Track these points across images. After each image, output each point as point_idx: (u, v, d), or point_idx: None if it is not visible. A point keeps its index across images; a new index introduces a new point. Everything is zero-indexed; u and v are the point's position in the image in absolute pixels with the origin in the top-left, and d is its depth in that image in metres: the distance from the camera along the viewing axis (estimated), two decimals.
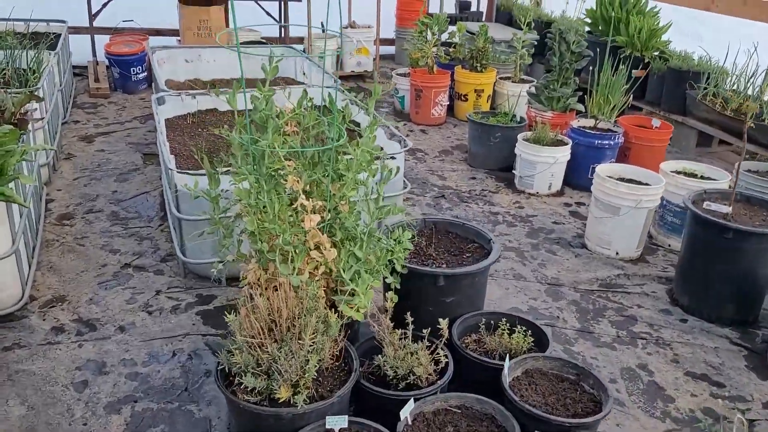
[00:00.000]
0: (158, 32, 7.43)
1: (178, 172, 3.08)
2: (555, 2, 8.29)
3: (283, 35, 7.53)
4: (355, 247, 2.30)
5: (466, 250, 2.73)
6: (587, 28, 6.59)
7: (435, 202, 4.42)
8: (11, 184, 2.89)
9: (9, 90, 3.94)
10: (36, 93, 4.00)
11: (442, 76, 5.89)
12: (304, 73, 5.61)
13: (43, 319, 3.01)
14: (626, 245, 3.67)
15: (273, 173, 2.24)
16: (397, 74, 6.33)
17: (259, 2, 6.98)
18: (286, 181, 2.23)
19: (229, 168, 3.04)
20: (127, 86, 6.50)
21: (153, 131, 5.49)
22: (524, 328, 2.42)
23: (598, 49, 5.15)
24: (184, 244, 3.31)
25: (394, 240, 2.41)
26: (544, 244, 3.88)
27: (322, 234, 2.31)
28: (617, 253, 3.71)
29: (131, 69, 6.43)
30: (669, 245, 3.87)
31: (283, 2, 7.07)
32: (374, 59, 7.30)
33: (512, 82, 6.16)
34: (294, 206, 2.27)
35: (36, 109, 3.60)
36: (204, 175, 3.08)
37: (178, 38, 7.16)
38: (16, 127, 3.24)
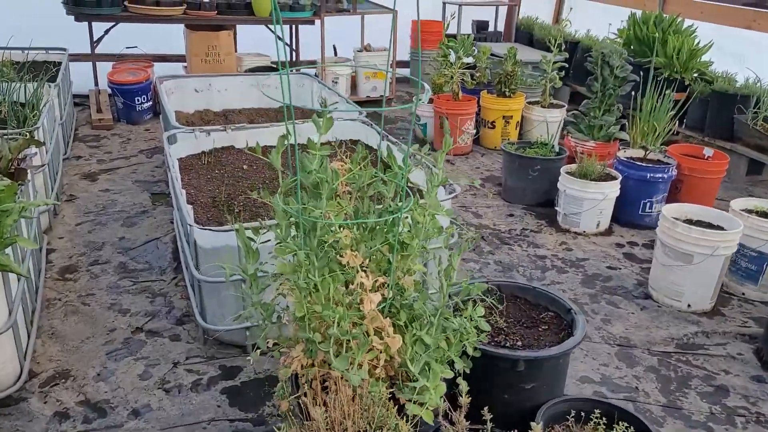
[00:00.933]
0: (163, 58, 7.07)
1: (200, 228, 2.68)
2: (578, 21, 7.96)
3: (294, 59, 7.17)
4: (422, 332, 1.89)
5: (540, 320, 2.33)
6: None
7: (473, 244, 4.02)
8: (8, 249, 2.49)
9: (5, 131, 3.56)
10: (35, 135, 3.61)
11: (468, 102, 5.52)
12: (320, 101, 5.23)
13: (45, 402, 2.60)
14: (700, 297, 3.27)
15: (326, 247, 1.84)
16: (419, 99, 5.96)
17: (269, 26, 6.63)
18: (342, 255, 1.83)
19: (256, 224, 2.65)
20: (132, 116, 6.12)
21: (161, 166, 5.11)
22: (626, 425, 2.01)
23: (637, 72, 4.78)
24: (204, 307, 2.91)
25: (467, 318, 2.01)
26: (604, 295, 3.48)
27: (383, 316, 1.91)
28: (689, 306, 3.30)
29: (135, 98, 6.06)
30: (743, 293, 3.47)
31: (294, 26, 6.72)
32: (390, 83, 6.94)
33: (541, 106, 5.79)
34: (351, 285, 1.87)
35: (36, 153, 3.22)
36: (228, 231, 2.69)
37: (184, 64, 6.80)
38: (14, 178, 2.85)
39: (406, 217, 1.98)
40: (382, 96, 6.98)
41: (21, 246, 2.68)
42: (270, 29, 6.70)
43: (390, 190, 2.03)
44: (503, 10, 8.16)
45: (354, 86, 6.98)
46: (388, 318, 1.92)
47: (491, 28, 8.06)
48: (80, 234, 3.98)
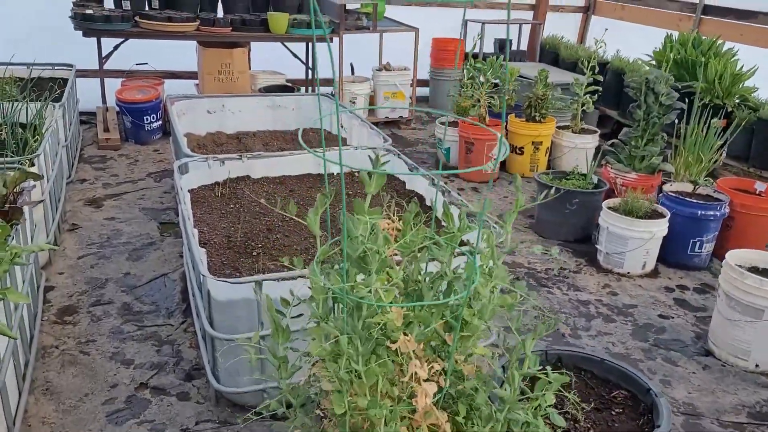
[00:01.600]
0: (173, 75, 6.81)
1: (215, 280, 2.36)
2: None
3: (310, 77, 6.89)
4: (485, 430, 1.56)
5: (612, 401, 2.00)
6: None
7: (552, 328, 3.69)
8: None
9: (2, 158, 3.26)
10: (35, 163, 3.31)
11: (495, 127, 5.20)
12: (342, 126, 4.92)
13: None
14: None
15: (373, 331, 1.51)
16: (441, 123, 5.65)
17: (285, 43, 6.35)
18: (392, 339, 1.51)
19: (281, 274, 2.33)
20: (140, 136, 5.84)
21: (169, 192, 4.80)
22: None
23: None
24: (216, 363, 2.58)
25: (534, 409, 1.68)
26: (659, 350, 3.14)
27: (437, 408, 1.58)
28: (757, 366, 2.96)
29: (144, 118, 5.78)
30: None
31: (311, 43, 6.44)
32: (410, 103, 6.64)
33: (572, 132, 5.48)
34: (401, 373, 1.54)
35: (34, 186, 2.92)
36: (247, 282, 2.37)
37: (196, 82, 6.53)
38: (7, 218, 2.54)
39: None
40: (401, 117, 6.68)
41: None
42: (286, 47, 6.42)
43: (445, 255, 1.70)
44: (526, 29, 7.87)
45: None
46: (443, 412, 1.58)
47: (514, 47, 7.76)
48: (82, 269, 3.67)
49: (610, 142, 4.51)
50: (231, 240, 2.96)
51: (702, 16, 6.39)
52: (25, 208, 2.69)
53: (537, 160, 5.38)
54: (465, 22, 7.49)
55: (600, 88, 5.43)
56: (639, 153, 4.30)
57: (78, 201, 4.56)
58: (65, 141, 4.64)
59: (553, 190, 2.10)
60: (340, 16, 5.99)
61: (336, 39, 6.11)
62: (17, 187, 2.80)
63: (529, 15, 7.87)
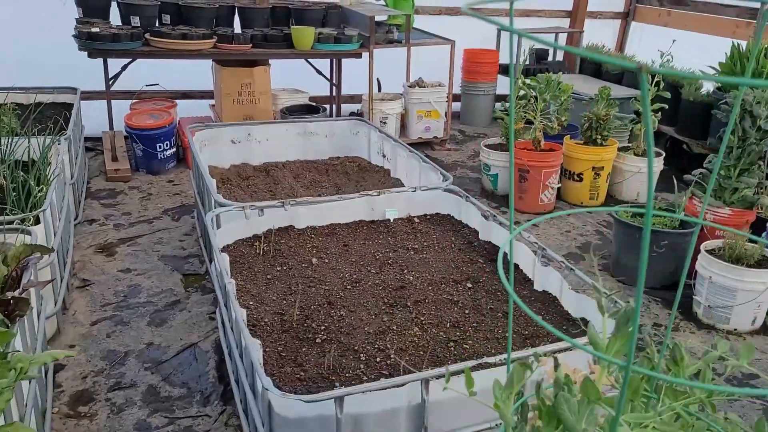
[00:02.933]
0: (186, 95, 6.26)
1: (285, 398, 1.79)
2: (643, 50, 7.12)
3: (335, 94, 6.34)
4: None
5: None
6: (716, 86, 5.39)
7: None
8: None
9: (1, 216, 2.70)
10: (39, 224, 2.75)
11: (553, 153, 4.65)
12: (384, 155, 4.37)
13: None
14: None
15: None
16: (486, 146, 5.10)
17: (309, 60, 5.80)
18: None
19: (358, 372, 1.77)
20: (152, 166, 5.28)
21: (190, 234, 4.24)
22: None
23: None
24: None
25: None
26: None
27: None
28: None
29: (157, 145, 5.22)
30: None
31: (336, 60, 5.90)
32: (445, 121, 6.09)
33: (634, 154, 4.92)
34: None
35: (41, 258, 2.36)
36: (326, 399, 1.81)
37: (211, 102, 5.98)
38: (8, 312, 1.98)
39: None
40: (435, 137, 6.13)
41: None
42: (310, 63, 5.87)
43: None
44: (562, 37, 7.32)
45: (404, 126, 6.13)
46: None
47: (549, 57, 7.22)
48: (97, 339, 3.11)
49: (698, 171, 3.95)
50: (285, 319, 2.40)
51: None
52: (31, 300, 2.13)
53: (597, 188, 4.82)
54: (498, 32, 6.95)
55: (666, 105, 4.88)
56: (731, 184, 3.75)
57: (88, 248, 4.00)
58: (72, 179, 4.08)
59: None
60: (370, 30, 5.44)
61: (365, 54, 5.55)
62: (21, 262, 2.24)
63: (565, 22, 7.33)
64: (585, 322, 2.36)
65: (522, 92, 4.76)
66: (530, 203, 4.70)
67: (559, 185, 4.75)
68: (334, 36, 5.39)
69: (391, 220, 3.24)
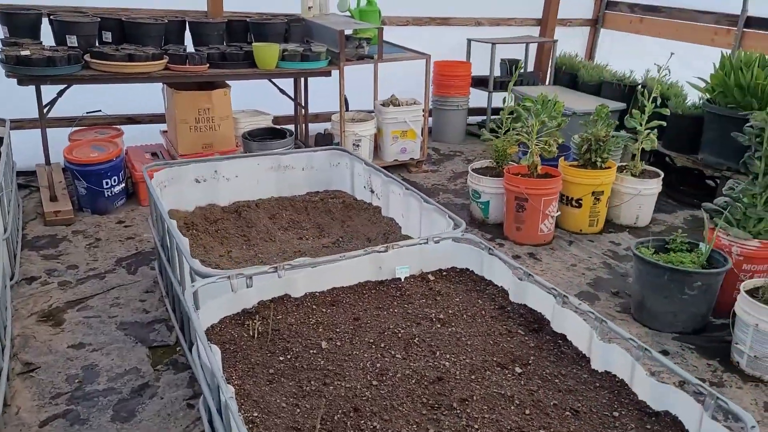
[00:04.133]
0: (132, 120, 5.60)
1: None
2: (616, 58, 6.87)
3: (301, 116, 5.81)
4: None
5: None
6: (706, 96, 5.13)
7: None
8: None
9: None
10: None
11: (552, 179, 4.26)
12: (371, 190, 3.88)
13: None
14: None
15: None
16: (474, 170, 4.67)
17: (273, 80, 5.25)
18: None
19: None
20: (99, 205, 4.63)
21: (151, 291, 3.65)
22: None
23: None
24: None
25: None
26: None
27: None
28: None
29: (104, 182, 4.57)
30: None
31: (304, 79, 5.37)
32: (422, 141, 5.64)
33: (632, 175, 4.60)
34: None
35: None
36: None
37: (163, 128, 5.36)
38: None
39: None
40: (412, 159, 5.67)
41: None
42: (274, 83, 5.32)
43: None
44: (532, 48, 6.99)
45: (377, 148, 5.65)
46: None
47: (522, 69, 6.88)
48: None
49: (722, 200, 3.63)
50: (300, 430, 1.88)
51: (745, 29, 5.65)
52: None
53: (597, 213, 4.47)
54: (469, 42, 6.56)
55: (664, 123, 4.58)
56: (756, 213, 3.44)
57: (29, 316, 3.36)
58: (5, 233, 3.43)
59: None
60: (340, 45, 4.94)
61: (335, 72, 5.05)
62: None
63: (535, 31, 7.00)
64: (672, 418, 1.94)
65: (518, 114, 4.36)
66: (529, 234, 4.30)
67: (558, 213, 4.37)
68: (300, 53, 4.86)
69: (402, 279, 2.76)
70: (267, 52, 4.74)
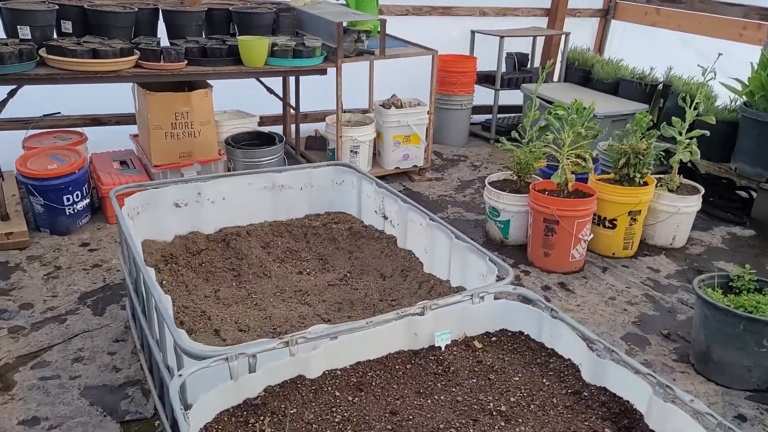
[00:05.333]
0: (97, 121, 4.93)
1: None
2: (625, 51, 6.36)
3: (289, 116, 5.19)
4: None
5: None
6: (743, 100, 4.65)
7: None
8: None
9: None
10: None
11: (588, 199, 3.72)
12: (384, 216, 3.31)
13: None
14: None
15: None
16: (492, 184, 4.12)
17: (260, 79, 4.62)
18: None
19: None
20: (59, 224, 3.98)
21: (122, 339, 3.05)
22: None
23: None
24: None
25: None
26: None
27: None
28: None
29: (65, 198, 3.92)
30: None
31: (295, 77, 4.74)
32: (426, 147, 5.06)
33: (668, 190, 4.09)
34: None
35: None
36: None
37: (134, 133, 4.69)
38: None
39: None
40: (415, 166, 5.09)
41: None
42: (262, 83, 4.69)
43: None
44: (540, 41, 6.43)
45: (376, 154, 5.06)
46: None
47: (529, 64, 6.32)
48: None
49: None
50: None
51: None
52: None
53: (633, 235, 3.96)
54: (472, 34, 5.98)
55: (708, 132, 4.07)
56: None
57: None
58: None
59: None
60: (337, 39, 4.32)
61: (332, 69, 4.43)
62: None
63: (543, 21, 6.44)
64: None
65: (542, 122, 3.81)
66: (559, 261, 3.77)
67: (591, 236, 3.84)
68: (292, 48, 4.24)
69: (443, 348, 2.20)
70: (255, 47, 4.11)
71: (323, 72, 4.45)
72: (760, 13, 5.29)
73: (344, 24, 4.43)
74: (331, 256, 3.29)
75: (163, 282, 2.93)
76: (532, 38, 6.25)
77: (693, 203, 4.06)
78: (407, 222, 3.09)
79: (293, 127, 5.18)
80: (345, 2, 5.02)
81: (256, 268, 3.17)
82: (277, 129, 5.26)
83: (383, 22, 4.50)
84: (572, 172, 3.77)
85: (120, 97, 4.72)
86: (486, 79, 5.92)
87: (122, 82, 3.96)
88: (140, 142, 4.43)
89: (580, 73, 5.97)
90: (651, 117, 3.90)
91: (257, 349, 1.93)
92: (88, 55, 3.72)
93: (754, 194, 4.75)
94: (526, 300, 2.28)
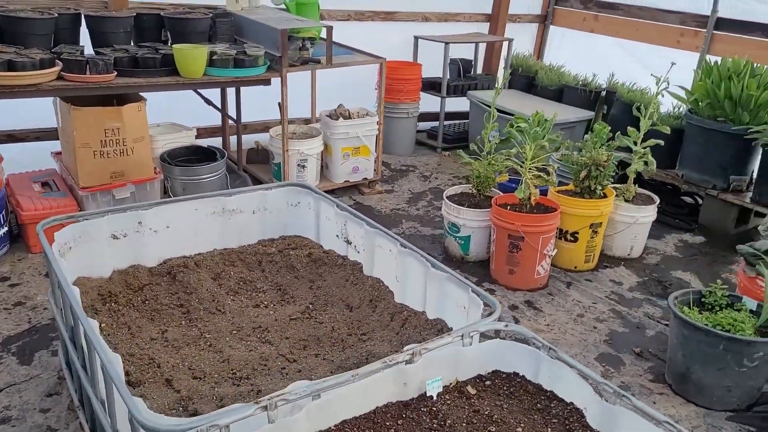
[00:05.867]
0: (12, 137, 4.46)
1: None
2: (563, 56, 6.37)
3: (228, 127, 4.86)
4: None
5: None
6: (687, 107, 4.68)
7: None
8: None
9: None
10: None
11: (552, 214, 3.61)
12: (347, 241, 3.08)
13: None
14: None
15: None
16: (450, 198, 3.96)
17: (198, 90, 4.28)
18: None
19: None
20: None
21: (56, 394, 2.69)
22: None
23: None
24: None
25: None
26: None
27: None
28: None
29: None
30: None
31: (236, 88, 4.43)
32: (376, 158, 4.85)
33: (624, 200, 4.05)
34: None
35: None
36: None
37: (56, 150, 4.25)
38: None
39: None
40: (365, 179, 4.87)
41: None
42: (200, 94, 4.35)
43: None
44: (481, 48, 6.34)
45: (324, 167, 4.80)
46: None
47: (473, 71, 6.22)
48: None
49: (765, 244, 3.10)
50: None
51: (715, 32, 5.25)
52: None
53: (594, 247, 3.89)
54: (416, 39, 5.82)
55: (662, 142, 4.05)
56: None
57: None
58: None
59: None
60: (282, 47, 4.05)
61: (276, 80, 4.15)
62: None
63: (484, 27, 6.36)
64: None
65: (510, 135, 3.67)
66: (524, 278, 3.65)
67: (555, 251, 3.74)
68: (233, 57, 3.93)
69: (435, 398, 1.99)
70: (192, 56, 3.78)
71: (267, 82, 4.16)
72: (697, 21, 5.37)
73: (288, 31, 4.16)
74: (290, 285, 3.03)
75: (102, 325, 2.59)
76: (474, 44, 6.15)
77: (650, 213, 4.04)
78: (374, 248, 2.87)
79: (233, 139, 4.87)
80: (285, 7, 4.75)
81: (208, 303, 2.87)
82: (216, 141, 4.92)
83: (329, 29, 4.25)
84: (534, 186, 3.65)
85: (39, 109, 4.27)
86: (431, 86, 5.78)
87: (43, 96, 3.54)
88: (64, 161, 4.01)
89: (524, 80, 5.91)
90: (608, 127, 3.82)
91: (231, 419, 1.66)
92: (3, 68, 3.30)
93: (700, 200, 4.80)
94: (522, 341, 2.11)
